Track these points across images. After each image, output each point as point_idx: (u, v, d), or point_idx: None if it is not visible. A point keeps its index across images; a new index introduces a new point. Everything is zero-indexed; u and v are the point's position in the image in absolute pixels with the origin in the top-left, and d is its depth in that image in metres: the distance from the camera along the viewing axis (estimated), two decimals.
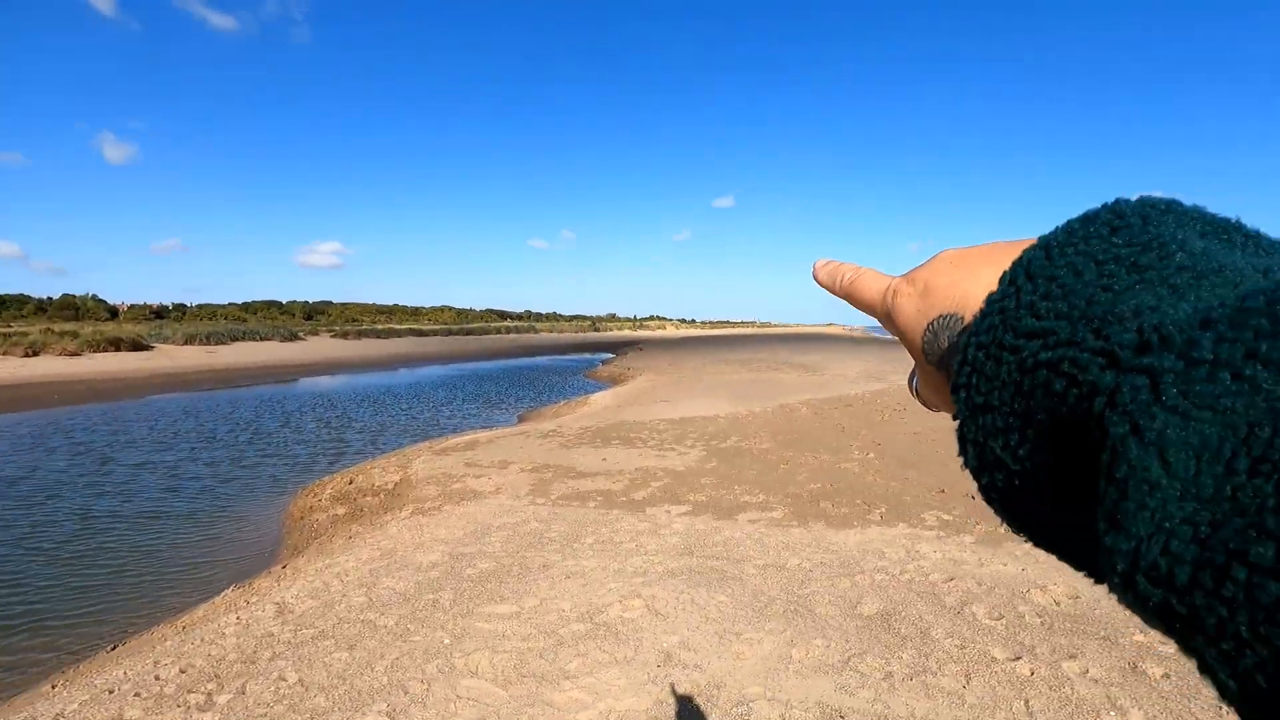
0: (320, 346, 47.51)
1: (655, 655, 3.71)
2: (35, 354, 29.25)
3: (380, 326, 74.01)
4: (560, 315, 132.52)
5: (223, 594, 5.54)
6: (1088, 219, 0.28)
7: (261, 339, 47.25)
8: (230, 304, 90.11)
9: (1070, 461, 0.25)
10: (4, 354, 28.29)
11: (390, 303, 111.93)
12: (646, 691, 3.34)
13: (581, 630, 4.04)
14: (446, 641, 3.95)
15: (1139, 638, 3.85)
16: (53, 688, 3.99)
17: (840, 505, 6.98)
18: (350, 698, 3.36)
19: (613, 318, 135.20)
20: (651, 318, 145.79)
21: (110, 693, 3.57)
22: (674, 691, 3.33)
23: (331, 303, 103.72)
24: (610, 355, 45.80)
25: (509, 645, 3.87)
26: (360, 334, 60.78)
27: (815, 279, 0.45)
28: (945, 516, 6.47)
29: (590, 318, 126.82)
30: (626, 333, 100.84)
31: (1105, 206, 0.29)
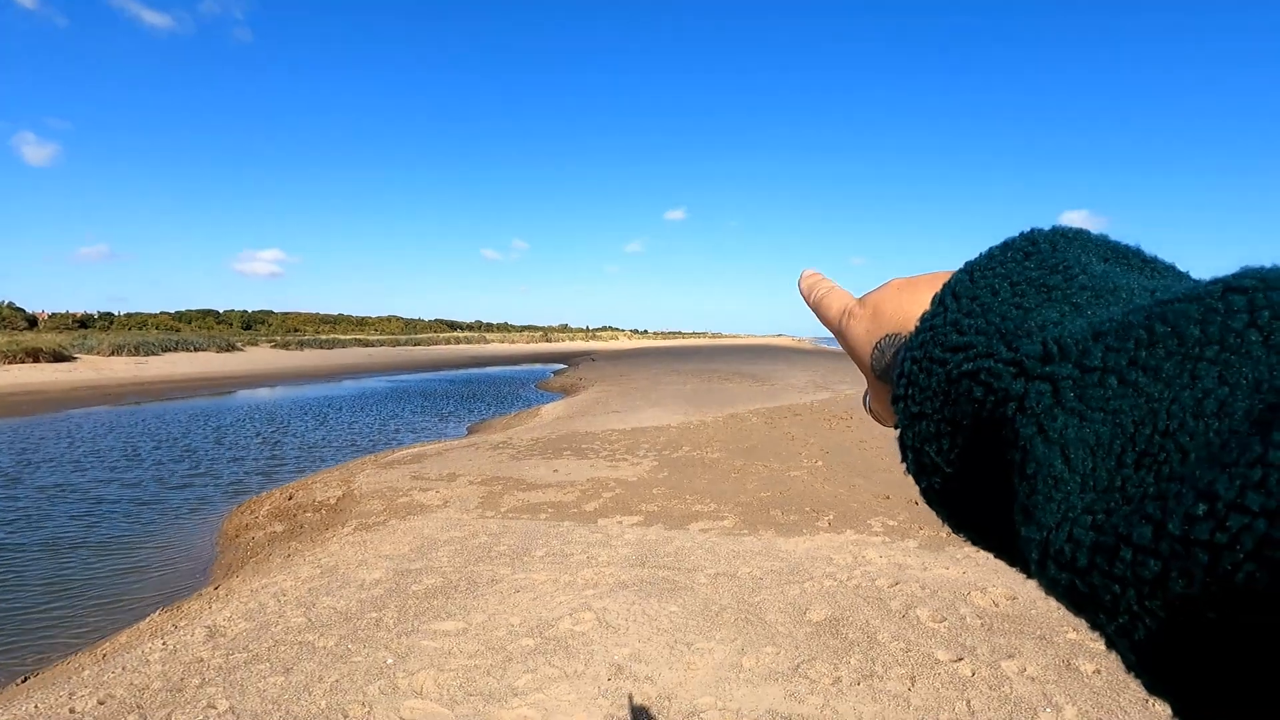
0: (259, 357, 45.72)
1: (606, 668, 3.67)
2: None
3: (324, 336, 71.70)
4: (512, 325, 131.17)
5: (148, 618, 5.23)
6: (1006, 245, 0.32)
7: (196, 349, 45.15)
8: (162, 313, 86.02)
9: (994, 462, 0.28)
10: None
11: (335, 312, 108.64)
12: (597, 705, 3.29)
13: (531, 645, 3.96)
14: (390, 661, 3.82)
15: (1072, 635, 4.00)
16: None
17: (790, 513, 7.07)
18: None
19: (565, 328, 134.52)
20: (604, 328, 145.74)
21: None
22: (625, 704, 3.29)
23: (272, 312, 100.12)
24: (562, 366, 45.51)
25: (455, 663, 3.76)
26: (302, 344, 58.73)
27: (798, 287, 0.49)
28: (890, 522, 6.62)
29: (542, 328, 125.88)
30: (579, 343, 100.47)
31: (1022, 234, 0.33)
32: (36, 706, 3.54)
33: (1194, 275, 0.30)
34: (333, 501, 8.26)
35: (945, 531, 6.66)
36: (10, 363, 29.81)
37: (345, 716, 3.26)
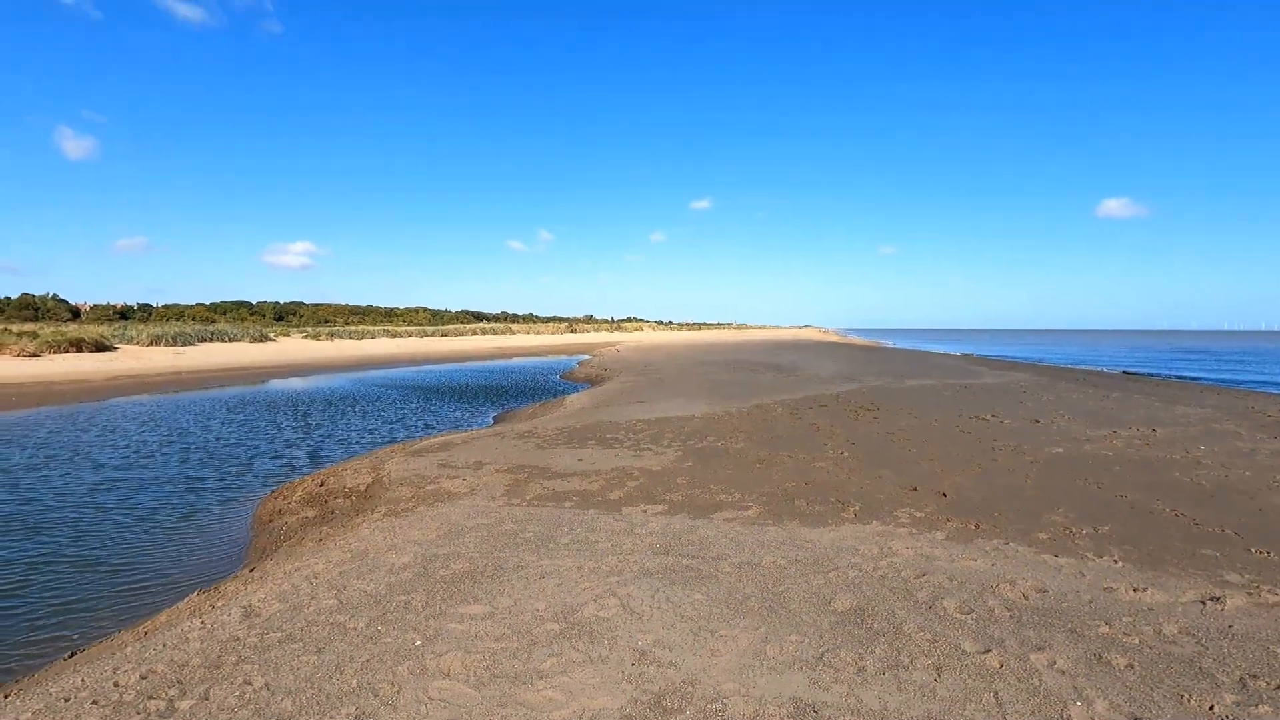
0: (291, 348, 46.63)
1: (630, 654, 3.70)
2: None
3: (353, 327, 72.92)
4: (537, 316, 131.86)
5: (187, 599, 5.40)
6: None
7: (230, 340, 46.20)
8: (198, 304, 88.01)
9: None
10: None
11: (364, 303, 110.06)
12: (621, 690, 3.32)
13: (556, 630, 4.01)
14: (418, 643, 3.89)
15: (1104, 629, 3.93)
16: (4, 696, 3.84)
17: (815, 503, 7.03)
18: (318, 702, 3.29)
19: (590, 319, 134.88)
20: (629, 319, 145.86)
21: (66, 701, 3.45)
22: (648, 689, 3.32)
23: (303, 303, 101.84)
24: (587, 357, 45.67)
25: (482, 646, 3.82)
26: (333, 335, 59.81)
27: None
28: (917, 514, 6.55)
29: (567, 319, 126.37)
30: (604, 334, 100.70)
31: None
32: (83, 680, 3.69)
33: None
34: (363, 488, 8.42)
35: (974, 523, 6.59)
36: (55, 353, 30.82)
37: (375, 695, 3.33)
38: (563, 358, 47.48)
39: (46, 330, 37.72)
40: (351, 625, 4.18)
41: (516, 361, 43.42)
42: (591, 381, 25.65)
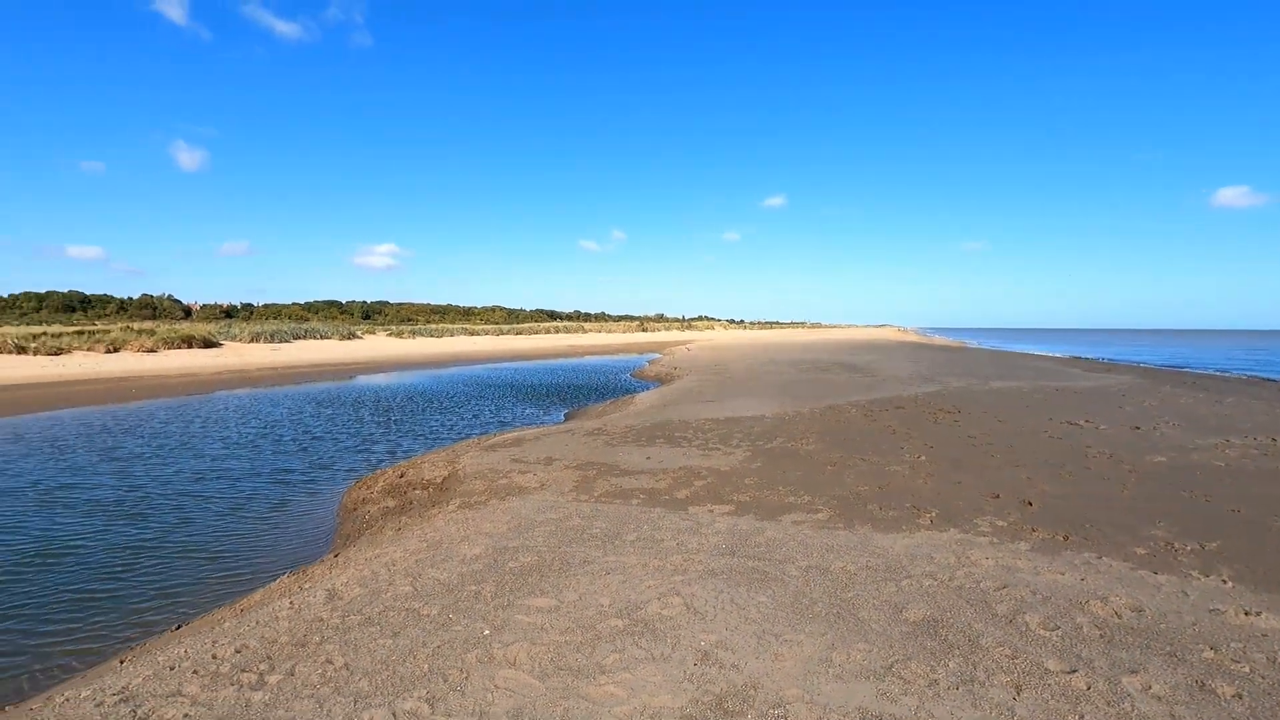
0: (376, 345, 48.96)
1: (692, 653, 3.69)
2: (115, 350, 31.03)
3: (433, 325, 75.87)
4: (608, 315, 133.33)
5: (278, 580, 5.76)
6: None
7: (322, 338, 48.99)
8: (293, 304, 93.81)
9: None
10: (88, 350, 30.11)
11: (443, 302, 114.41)
12: (682, 689, 3.32)
13: (620, 626, 4.04)
14: (486, 632, 4.01)
15: (1209, 654, 3.62)
16: (121, 662, 4.21)
17: (888, 509, 6.80)
18: (392, 684, 3.44)
19: (660, 318, 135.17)
20: (699, 318, 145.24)
21: (172, 669, 3.75)
22: (709, 690, 3.30)
23: (388, 303, 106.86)
24: (657, 355, 45.80)
25: (547, 638, 3.90)
26: (414, 333, 62.45)
27: None
28: (999, 522, 6.23)
29: (638, 317, 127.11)
30: (674, 333, 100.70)
31: None
32: (185, 651, 3.99)
33: None
34: (439, 480, 8.75)
35: (1063, 534, 6.20)
36: (169, 349, 33.55)
37: (445, 680, 3.46)
38: (633, 356, 47.80)
39: (162, 328, 41.10)
40: (425, 612, 4.36)
41: (588, 359, 44.03)
42: (661, 380, 25.70)
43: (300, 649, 3.91)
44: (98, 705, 3.39)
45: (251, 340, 41.92)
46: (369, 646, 3.88)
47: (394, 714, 3.16)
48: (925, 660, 3.58)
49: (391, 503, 8.20)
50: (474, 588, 4.76)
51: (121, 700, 3.41)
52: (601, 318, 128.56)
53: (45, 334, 33.29)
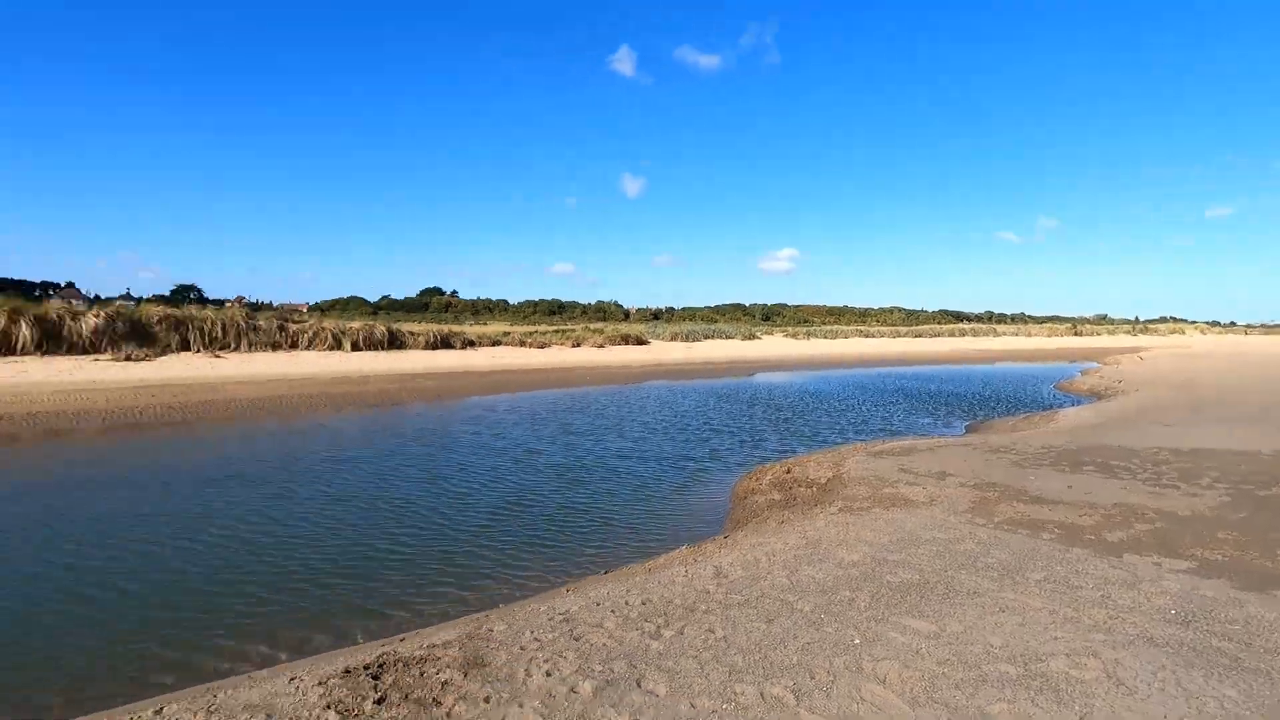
0: (773, 345, 51.72)
1: None
2: (577, 345, 39.62)
3: (827, 327, 76.51)
4: (1029, 316, 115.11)
5: (679, 549, 6.60)
6: None
7: (726, 338, 54.02)
8: (705, 307, 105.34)
9: None
10: (559, 345, 39.13)
11: (840, 304, 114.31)
12: None
13: (1011, 674, 3.54)
14: (857, 641, 3.94)
15: None
16: (568, 591, 5.39)
17: None
18: (762, 666, 3.66)
19: (1103, 319, 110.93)
20: (1161, 319, 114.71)
21: (597, 605, 4.66)
22: None
23: (786, 305, 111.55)
24: (1094, 365, 37.85)
25: (922, 664, 3.65)
26: (809, 334, 64.00)
27: None
28: None
29: (1069, 319, 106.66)
30: (1121, 338, 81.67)
31: None
32: (608, 592, 4.90)
33: None
34: (823, 481, 8.85)
35: None
36: (612, 344, 41.27)
37: (812, 677, 3.53)
38: (1059, 364, 40.44)
39: (609, 328, 50.69)
40: (798, 606, 4.50)
41: (999, 366, 38.90)
42: (1098, 395, 21.22)
43: (689, 614, 4.44)
44: (549, 619, 4.41)
45: (671, 339, 48.68)
46: (745, 626, 4.19)
47: (762, 695, 3.36)
48: None
49: (777, 496, 8.61)
50: (848, 593, 4.71)
51: (564, 620, 4.38)
52: (1020, 319, 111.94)
53: (535, 332, 44.44)
